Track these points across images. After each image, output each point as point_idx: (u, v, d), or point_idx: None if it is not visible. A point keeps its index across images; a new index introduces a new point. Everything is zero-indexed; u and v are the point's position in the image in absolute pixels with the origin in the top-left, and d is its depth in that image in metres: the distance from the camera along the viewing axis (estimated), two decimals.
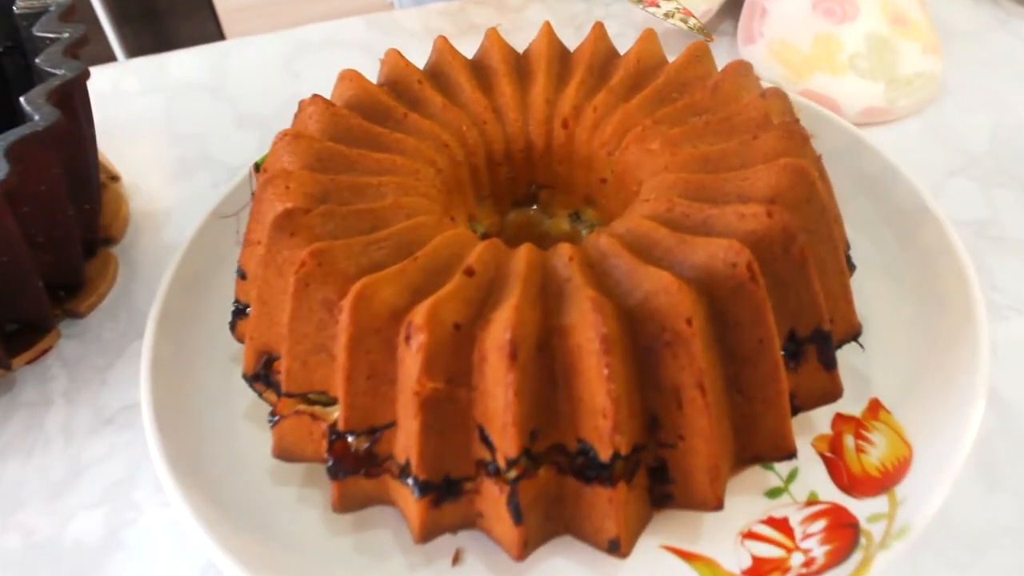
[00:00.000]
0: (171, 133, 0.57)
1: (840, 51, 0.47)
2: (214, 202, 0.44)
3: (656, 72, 0.39)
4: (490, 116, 0.38)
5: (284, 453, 0.33)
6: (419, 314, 0.27)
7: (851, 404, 0.35)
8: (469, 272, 0.29)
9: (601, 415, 0.27)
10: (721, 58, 0.56)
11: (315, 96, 0.37)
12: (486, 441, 0.28)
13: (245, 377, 0.34)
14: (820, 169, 0.34)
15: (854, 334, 0.34)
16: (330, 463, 0.30)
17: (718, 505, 0.29)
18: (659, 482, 0.29)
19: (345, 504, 0.31)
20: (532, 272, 0.29)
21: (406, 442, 0.29)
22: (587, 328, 0.26)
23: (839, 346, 0.34)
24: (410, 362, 0.27)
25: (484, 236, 0.39)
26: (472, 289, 0.28)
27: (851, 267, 0.37)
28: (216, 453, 0.35)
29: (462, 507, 0.30)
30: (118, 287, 0.47)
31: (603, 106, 0.38)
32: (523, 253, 0.30)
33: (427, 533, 0.30)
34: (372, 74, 0.45)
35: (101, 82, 0.62)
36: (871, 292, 0.38)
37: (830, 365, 0.31)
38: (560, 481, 0.29)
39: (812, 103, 0.45)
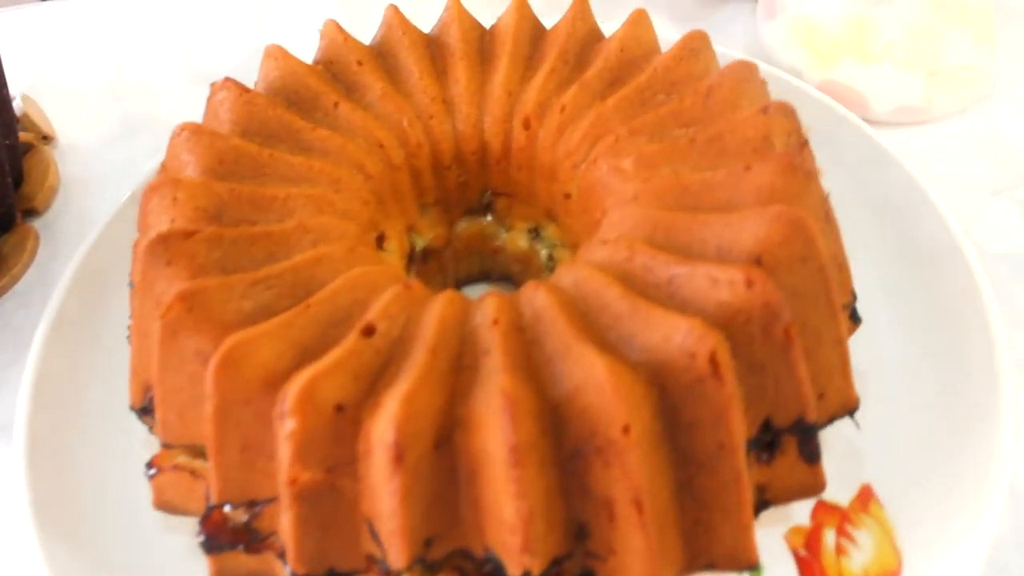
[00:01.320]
0: (116, 87, 0.52)
1: (875, 36, 0.40)
2: (137, 182, 0.39)
3: (642, 64, 0.32)
4: (439, 109, 0.32)
5: (166, 506, 0.28)
6: (291, 393, 0.21)
7: (838, 489, 0.29)
8: (368, 331, 0.23)
9: (509, 531, 0.21)
10: (736, 35, 0.48)
11: (227, 80, 0.31)
12: (376, 537, 0.23)
13: (133, 409, 0.30)
14: (826, 211, 0.27)
15: (849, 409, 0.28)
16: (202, 538, 0.26)
17: None
18: None
19: None
20: (445, 337, 0.23)
21: (284, 530, 0.24)
22: (494, 431, 0.20)
23: (830, 421, 0.28)
24: (283, 446, 0.22)
25: (425, 251, 0.34)
26: (368, 355, 0.23)
27: (855, 321, 0.31)
28: (101, 493, 0.31)
29: None
30: (37, 266, 0.42)
31: (573, 105, 0.31)
32: (439, 308, 0.24)
33: None
34: (354, 28, 0.38)
35: (37, 25, 0.56)
36: (877, 348, 0.32)
37: (812, 458, 0.26)
38: None
39: (830, 100, 0.38)
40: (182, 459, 0.27)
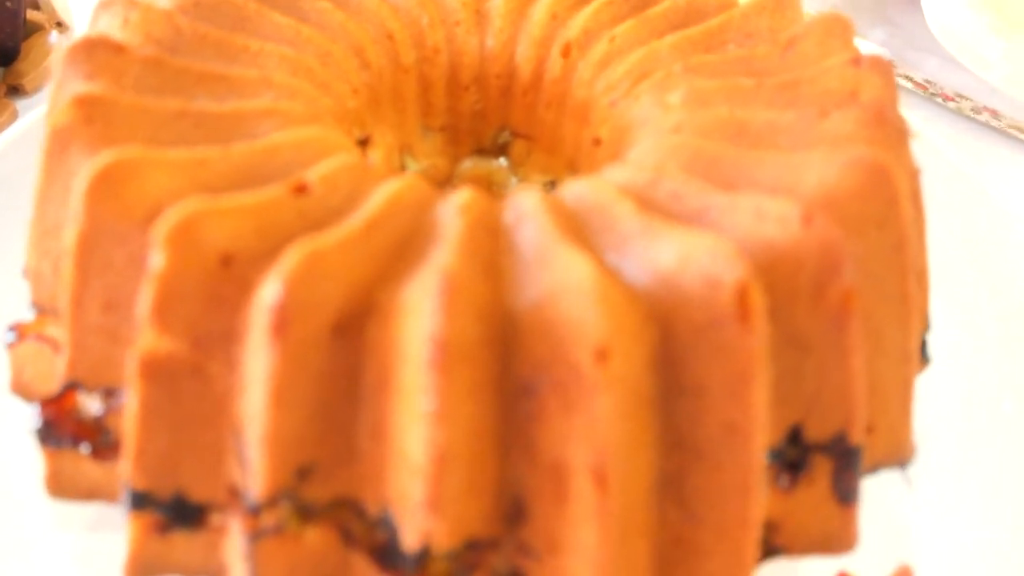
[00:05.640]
0: None
1: None
2: None
3: (717, 13, 0.27)
4: (469, 17, 0.27)
5: (21, 390, 0.23)
6: (167, 221, 0.16)
7: (867, 563, 0.22)
8: (299, 189, 0.18)
9: (412, 474, 0.15)
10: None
11: None
12: (242, 454, 0.17)
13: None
14: (914, 188, 0.22)
15: (901, 459, 0.22)
16: (39, 424, 0.20)
17: None
18: None
19: (61, 487, 0.21)
20: (392, 215, 0.18)
21: (126, 419, 0.18)
22: (419, 317, 0.15)
23: (873, 470, 0.22)
24: (144, 293, 0.16)
25: None
26: (288, 214, 0.17)
27: (924, 359, 0.24)
28: None
29: (201, 545, 0.19)
30: None
31: (624, 38, 0.26)
32: (395, 185, 0.18)
33: (142, 568, 0.19)
34: None
35: None
36: (941, 404, 0.26)
37: (847, 497, 0.19)
38: (346, 558, 0.17)
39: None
40: (52, 329, 0.22)
